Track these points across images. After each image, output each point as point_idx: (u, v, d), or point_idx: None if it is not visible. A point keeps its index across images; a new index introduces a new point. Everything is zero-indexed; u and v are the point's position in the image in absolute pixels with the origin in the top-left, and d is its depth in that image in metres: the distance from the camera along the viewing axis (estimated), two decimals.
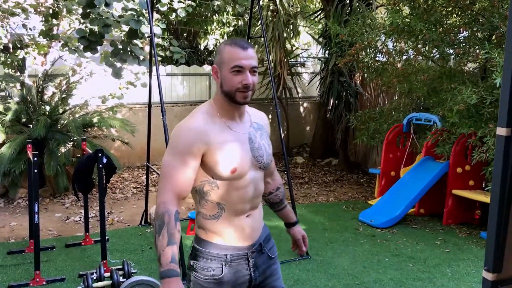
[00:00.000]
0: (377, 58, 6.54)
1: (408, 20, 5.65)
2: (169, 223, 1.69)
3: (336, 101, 8.06)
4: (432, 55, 6.09)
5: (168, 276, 1.64)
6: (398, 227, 5.31)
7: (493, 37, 5.33)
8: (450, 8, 5.72)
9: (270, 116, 9.27)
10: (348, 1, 7.66)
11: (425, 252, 4.61)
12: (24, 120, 6.31)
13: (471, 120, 5.11)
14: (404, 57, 6.25)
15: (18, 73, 7.08)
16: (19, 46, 6.60)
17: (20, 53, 6.87)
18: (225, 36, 11.40)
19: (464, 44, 5.59)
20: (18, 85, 6.49)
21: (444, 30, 5.62)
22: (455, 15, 5.86)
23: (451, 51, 5.74)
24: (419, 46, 5.89)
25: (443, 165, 5.43)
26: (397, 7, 5.85)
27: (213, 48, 13.46)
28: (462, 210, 5.45)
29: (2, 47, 6.53)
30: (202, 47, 12.94)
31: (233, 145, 1.81)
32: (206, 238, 1.86)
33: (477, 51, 5.36)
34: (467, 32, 5.58)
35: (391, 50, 6.26)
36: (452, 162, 5.34)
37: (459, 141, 5.30)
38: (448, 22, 5.84)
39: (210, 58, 13.24)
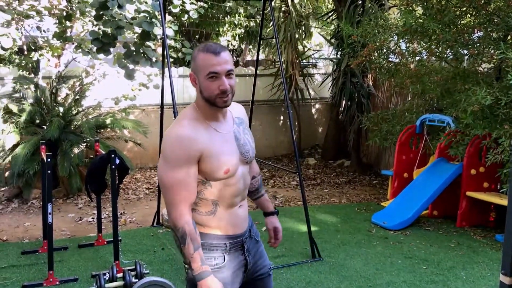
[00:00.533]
0: (389, 59, 6.49)
1: (421, 20, 5.60)
2: (190, 231, 1.83)
3: (349, 102, 8.02)
4: (445, 55, 6.03)
5: (203, 278, 1.82)
6: (411, 229, 5.26)
7: (509, 37, 5.27)
8: (464, 8, 5.66)
9: (281, 117, 9.26)
10: (360, 2, 7.63)
11: (439, 254, 4.56)
12: (38, 121, 6.38)
13: (486, 121, 5.05)
14: (417, 57, 6.20)
15: (32, 75, 7.16)
16: (33, 48, 6.67)
17: (34, 55, 6.94)
18: (237, 38, 11.41)
19: (478, 45, 5.52)
20: (32, 86, 6.56)
21: (458, 30, 5.56)
22: (469, 15, 5.80)
23: (465, 51, 5.68)
24: (433, 46, 5.84)
25: (456, 166, 5.37)
26: (410, 8, 5.80)
27: None
28: (476, 212, 5.39)
29: (17, 49, 6.60)
30: None
31: (223, 147, 1.89)
32: (204, 231, 1.94)
33: (492, 51, 5.30)
34: (481, 32, 5.51)
35: (404, 51, 6.21)
36: (466, 164, 5.28)
37: (473, 143, 5.24)
38: (462, 22, 5.77)
39: None
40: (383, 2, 7.51)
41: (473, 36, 5.64)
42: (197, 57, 1.84)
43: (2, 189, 6.43)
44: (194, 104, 1.95)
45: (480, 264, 4.34)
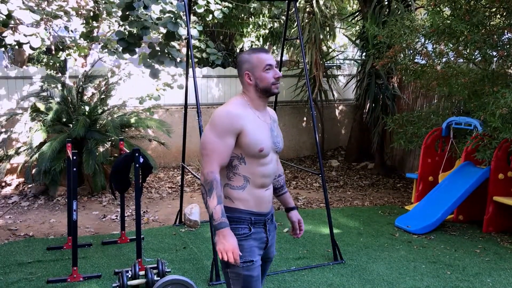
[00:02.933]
0: (415, 60, 6.40)
1: (449, 21, 5.50)
2: (217, 187, 2.14)
3: (373, 104, 7.93)
4: (473, 57, 5.91)
5: (221, 227, 2.11)
6: (436, 233, 5.17)
7: None
8: (494, 9, 5.54)
9: (305, 119, 9.21)
10: (386, 3, 7.54)
11: (464, 260, 4.46)
12: (64, 119, 6.49)
13: None
14: (444, 59, 6.09)
15: (60, 74, 7.29)
16: (61, 48, 6.79)
17: (62, 55, 7.07)
18: (261, 39, 11.40)
19: (508, 46, 5.40)
20: (59, 85, 6.68)
21: (487, 31, 5.44)
22: (499, 16, 5.67)
23: (494, 53, 5.55)
24: (460, 48, 5.73)
25: (483, 170, 5.26)
26: (438, 8, 5.70)
27: None
28: (503, 217, 5.26)
29: (45, 49, 6.73)
30: (238, 50, 13.00)
31: (261, 129, 2.26)
32: (233, 206, 2.25)
33: None
34: (511, 34, 5.38)
35: (431, 52, 6.11)
36: (494, 168, 5.16)
37: (501, 146, 5.12)
38: (491, 23, 5.65)
39: None
40: (410, 2, 7.40)
41: (503, 38, 5.51)
42: (252, 58, 2.28)
43: (29, 185, 6.56)
44: (242, 95, 2.33)
45: (507, 271, 4.23)
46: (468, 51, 5.77)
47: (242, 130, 2.18)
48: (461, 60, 6.17)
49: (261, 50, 2.31)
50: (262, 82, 2.26)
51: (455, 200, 5.24)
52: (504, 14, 5.53)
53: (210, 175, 2.15)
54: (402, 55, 6.25)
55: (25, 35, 4.80)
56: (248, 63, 2.29)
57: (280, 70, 5.56)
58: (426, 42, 6.12)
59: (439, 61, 6.11)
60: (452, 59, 6.11)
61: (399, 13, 6.95)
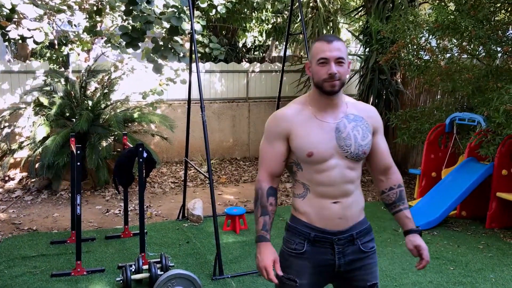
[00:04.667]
0: (419, 56, 6.37)
1: (453, 16, 5.48)
2: (262, 197, 2.00)
3: (376, 100, 7.91)
4: (477, 53, 5.89)
5: (259, 241, 1.96)
6: (439, 229, 5.17)
7: None
8: (499, 4, 5.51)
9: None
10: None
11: (467, 255, 4.46)
12: (67, 114, 6.49)
13: None
14: (448, 55, 6.07)
15: (63, 69, 7.30)
16: (64, 42, 6.79)
17: (65, 49, 7.08)
18: (264, 34, 11.38)
19: None
20: (62, 80, 6.68)
21: (491, 27, 5.42)
22: (504, 11, 5.64)
23: (499, 48, 5.52)
24: (464, 43, 5.70)
25: (487, 166, 5.25)
26: (443, 3, 5.67)
27: (251, 45, 13.49)
28: (506, 213, 5.25)
29: (48, 43, 6.73)
30: (240, 45, 12.98)
31: (314, 132, 1.96)
32: (295, 214, 2.04)
33: None
34: None
35: (434, 48, 6.09)
36: (497, 164, 5.15)
37: (505, 142, 5.11)
38: (496, 18, 5.62)
39: (248, 56, 13.27)
40: None
41: (508, 33, 5.49)
42: (313, 46, 1.98)
43: (33, 180, 6.58)
44: (309, 92, 2.07)
45: (510, 266, 4.23)
46: (472, 46, 5.75)
47: (289, 133, 1.97)
48: (465, 56, 6.15)
49: (325, 38, 1.95)
50: (315, 76, 1.96)
51: (458, 196, 5.23)
52: (509, 9, 5.51)
53: (257, 184, 2.03)
54: (405, 51, 6.23)
55: (28, 30, 4.81)
56: (310, 51, 2.00)
57: (283, 66, 5.55)
58: (430, 37, 6.10)
59: (443, 57, 6.09)
60: (456, 54, 6.08)
61: (402, 8, 6.92)
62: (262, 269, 1.93)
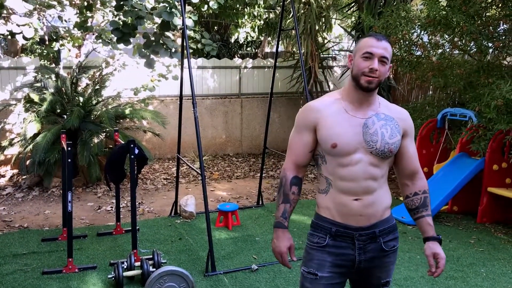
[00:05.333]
0: (411, 52, 6.39)
1: (445, 12, 5.49)
2: (285, 185, 2.06)
3: None
4: (469, 48, 5.91)
5: (277, 227, 2.05)
6: None
7: None
8: (490, 0, 5.53)
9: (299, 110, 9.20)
10: None
11: (458, 250, 4.49)
12: (58, 110, 6.45)
13: (510, 116, 4.94)
14: (440, 50, 6.08)
15: (53, 65, 7.24)
16: (54, 38, 6.73)
17: (56, 45, 7.01)
18: (256, 29, 11.35)
19: (504, 37, 5.40)
20: (53, 76, 6.64)
21: (482, 22, 5.44)
22: (495, 7, 5.66)
23: (490, 44, 5.55)
24: (456, 39, 5.72)
25: (478, 162, 5.28)
26: None
27: (244, 41, 13.45)
28: (497, 208, 5.29)
29: (38, 39, 6.67)
30: (232, 40, 12.95)
31: (341, 124, 1.97)
32: (317, 211, 2.09)
33: None
34: (507, 25, 5.38)
35: (426, 44, 6.10)
36: (488, 159, 5.18)
37: (496, 138, 5.14)
38: (487, 14, 5.64)
39: (241, 51, 13.24)
40: None
41: (499, 29, 5.51)
42: (361, 40, 2.00)
43: (23, 177, 6.53)
44: (344, 87, 2.09)
45: (500, 261, 4.26)
46: (463, 42, 5.77)
47: (317, 123, 2.00)
48: (457, 52, 6.17)
49: (375, 35, 1.98)
50: (355, 68, 1.98)
51: (449, 191, 5.26)
52: (500, 5, 5.53)
53: (282, 172, 2.09)
54: (397, 46, 6.25)
55: (17, 25, 4.75)
56: (357, 45, 2.03)
57: (275, 62, 5.54)
58: (422, 33, 6.11)
59: (434, 52, 6.10)
60: (448, 50, 6.10)
61: (394, 4, 6.93)
62: (277, 255, 2.04)
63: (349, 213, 1.98)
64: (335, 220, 2.01)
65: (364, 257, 2.02)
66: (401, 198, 6.06)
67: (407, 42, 6.23)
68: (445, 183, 5.38)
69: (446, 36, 5.81)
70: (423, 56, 6.16)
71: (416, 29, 6.08)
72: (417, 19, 5.92)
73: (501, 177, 5.23)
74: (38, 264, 4.05)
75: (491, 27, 5.37)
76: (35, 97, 6.36)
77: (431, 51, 6.10)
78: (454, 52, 6.16)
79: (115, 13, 5.61)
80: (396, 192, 6.52)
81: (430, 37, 6.11)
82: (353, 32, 8.49)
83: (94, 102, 6.66)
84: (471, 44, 5.79)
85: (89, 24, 6.31)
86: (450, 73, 5.76)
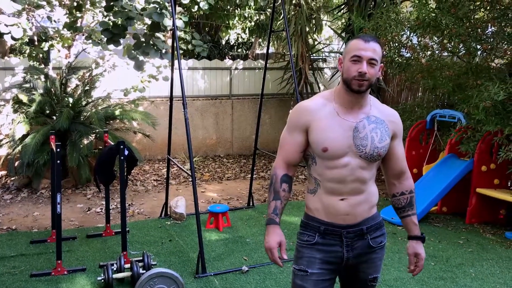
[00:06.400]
0: (401, 53, 6.43)
1: (434, 14, 5.53)
2: (275, 183, 2.08)
3: None
4: (458, 50, 5.96)
5: (268, 223, 2.06)
6: (420, 225, 5.14)
7: None
8: (478, 3, 5.58)
9: (290, 111, 9.22)
10: None
11: (448, 251, 4.52)
12: (47, 111, 6.40)
13: (498, 117, 4.99)
14: (429, 52, 6.13)
15: (43, 65, 7.18)
16: (43, 38, 6.69)
17: (45, 46, 6.97)
18: (247, 31, 11.37)
19: (492, 40, 5.45)
20: (42, 77, 6.58)
21: (471, 25, 5.49)
22: (483, 10, 5.72)
23: (478, 46, 5.60)
24: (445, 41, 5.77)
25: (467, 163, 5.32)
26: (424, 1, 5.73)
27: (235, 42, 13.45)
28: (486, 209, 5.33)
29: (27, 40, 6.62)
30: (223, 42, 12.94)
31: (332, 128, 2.00)
32: (306, 211, 2.12)
33: (506, 46, 5.23)
34: (495, 27, 5.43)
35: (416, 45, 6.14)
36: (477, 160, 5.23)
37: (484, 139, 5.18)
38: (475, 16, 5.70)
39: (232, 53, 13.24)
40: None
41: (487, 31, 5.57)
42: (349, 42, 2.00)
43: (12, 178, 6.47)
44: (335, 87, 2.09)
45: (489, 261, 4.30)
46: (452, 44, 5.82)
47: (309, 125, 2.02)
48: (446, 53, 6.22)
49: (363, 37, 1.97)
50: (345, 72, 1.98)
51: (439, 192, 5.29)
52: (488, 7, 5.58)
53: (273, 170, 2.12)
54: (387, 48, 6.28)
55: (6, 25, 4.70)
56: (345, 47, 2.03)
57: (266, 63, 5.54)
58: (411, 35, 6.15)
59: (424, 54, 6.15)
60: (437, 52, 6.15)
61: (384, 6, 6.97)
62: (267, 250, 2.04)
63: (336, 213, 2.03)
64: (323, 220, 2.05)
65: (352, 254, 2.06)
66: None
67: (396, 44, 6.27)
68: (434, 184, 5.42)
69: (435, 38, 5.86)
70: (412, 57, 6.20)
71: (406, 31, 6.13)
72: (407, 21, 5.96)
73: (489, 178, 5.27)
74: (26, 266, 4.01)
75: (479, 30, 5.43)
76: (24, 98, 6.30)
77: (420, 53, 6.15)
78: (443, 54, 6.21)
79: (105, 13, 5.59)
80: (385, 193, 6.55)
81: (419, 39, 6.15)
82: (343, 34, 8.52)
83: (83, 103, 6.62)
84: (460, 46, 5.84)
85: (78, 24, 6.28)
86: (439, 75, 5.81)
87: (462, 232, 5.07)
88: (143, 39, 4.94)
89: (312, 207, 2.08)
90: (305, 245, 2.08)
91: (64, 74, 6.62)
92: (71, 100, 6.43)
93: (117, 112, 6.65)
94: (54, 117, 6.25)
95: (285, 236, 2.12)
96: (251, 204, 5.80)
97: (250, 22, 10.79)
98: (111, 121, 6.84)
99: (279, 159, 2.11)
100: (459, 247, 4.63)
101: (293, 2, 8.29)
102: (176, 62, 4.69)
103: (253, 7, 10.10)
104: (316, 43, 9.47)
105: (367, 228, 2.07)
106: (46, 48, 7.01)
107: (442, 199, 5.47)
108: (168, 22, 4.73)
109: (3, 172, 6.77)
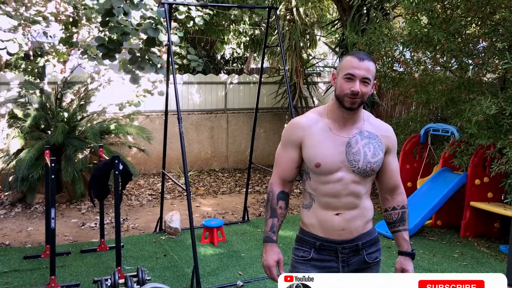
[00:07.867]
0: (394, 68, 6.50)
1: (426, 30, 5.61)
2: (272, 200, 2.10)
3: None
4: (450, 65, 6.03)
5: (265, 241, 2.08)
6: (415, 238, 5.23)
7: None
8: (470, 18, 5.67)
9: (285, 125, 9.25)
10: (365, 11, 7.64)
11: (442, 264, 4.53)
12: (42, 126, 6.40)
13: (490, 131, 5.03)
14: (422, 67, 6.20)
15: (38, 80, 7.19)
16: (39, 53, 6.71)
17: (40, 61, 6.98)
18: (242, 46, 11.44)
19: (483, 55, 5.53)
20: (37, 92, 6.59)
21: (463, 40, 5.57)
22: (475, 25, 5.81)
23: (470, 61, 5.67)
24: (437, 56, 5.84)
25: (460, 176, 5.35)
26: (416, 17, 5.81)
27: (230, 57, 13.54)
28: (480, 222, 5.35)
29: (23, 55, 6.63)
30: (218, 57, 13.02)
31: (325, 144, 2.01)
32: (302, 226, 2.12)
33: (497, 61, 5.29)
34: (486, 42, 5.51)
35: (409, 60, 6.22)
36: (470, 174, 5.26)
37: (477, 153, 5.22)
38: (467, 32, 5.78)
39: (227, 67, 13.31)
40: (388, 11, 7.53)
41: (478, 46, 5.64)
42: (344, 58, 2.01)
43: (6, 193, 6.44)
44: (328, 103, 2.11)
45: None
46: (445, 59, 5.90)
47: (302, 141, 2.03)
48: (438, 68, 6.29)
49: (357, 55, 1.97)
50: (338, 89, 2.01)
51: (433, 205, 5.31)
52: (479, 23, 5.66)
53: (269, 187, 2.13)
54: (380, 63, 6.35)
55: (1, 41, 4.73)
56: (340, 63, 2.04)
57: (260, 78, 5.59)
58: (404, 50, 6.23)
59: (417, 69, 6.22)
60: (430, 67, 6.22)
61: (377, 21, 7.06)
62: (266, 268, 2.06)
63: (332, 228, 2.02)
64: (318, 235, 2.04)
65: (347, 270, 2.05)
66: None
67: (390, 59, 6.33)
68: (428, 198, 5.44)
69: (428, 53, 5.93)
70: (405, 72, 6.27)
71: (399, 46, 6.20)
72: (400, 36, 6.03)
73: (483, 192, 5.30)
74: (20, 282, 3.98)
75: (471, 45, 5.50)
76: (19, 112, 6.30)
77: (413, 68, 6.21)
78: (436, 68, 6.28)
79: (101, 29, 5.63)
80: (380, 207, 6.56)
81: (412, 54, 6.22)
82: (337, 49, 8.60)
83: (79, 117, 6.62)
84: (452, 61, 5.91)
85: (74, 39, 6.31)
86: (432, 89, 5.87)
87: (456, 246, 5.08)
88: (138, 54, 4.97)
89: (308, 223, 2.08)
90: (301, 261, 2.07)
91: (60, 89, 6.63)
92: (66, 114, 6.44)
93: (112, 127, 6.65)
94: (49, 132, 6.24)
95: (280, 250, 2.12)
96: (246, 219, 5.80)
97: (245, 37, 10.87)
98: (106, 136, 6.84)
99: (275, 176, 2.12)
100: (453, 261, 4.63)
101: (287, 17, 8.38)
102: (171, 76, 4.72)
103: (248, 22, 10.18)
104: (310, 58, 9.56)
105: (363, 244, 2.07)
106: (41, 63, 7.03)
107: (436, 213, 5.49)
108: (163, 37, 4.76)
109: None
